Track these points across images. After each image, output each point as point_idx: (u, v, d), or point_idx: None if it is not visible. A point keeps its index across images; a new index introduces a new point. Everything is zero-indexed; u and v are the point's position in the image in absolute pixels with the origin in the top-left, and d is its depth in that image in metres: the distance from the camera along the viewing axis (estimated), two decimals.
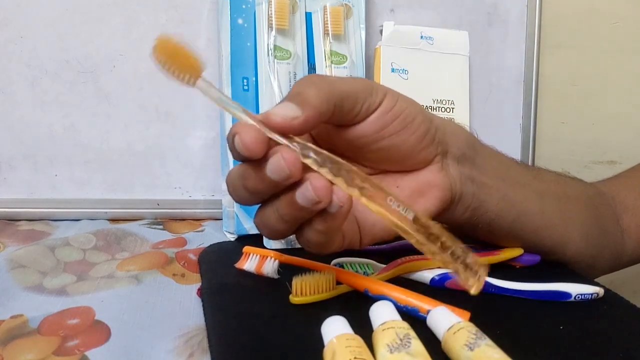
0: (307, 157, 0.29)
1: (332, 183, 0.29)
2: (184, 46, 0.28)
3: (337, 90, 0.30)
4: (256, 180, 0.29)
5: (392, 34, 0.58)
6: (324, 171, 0.29)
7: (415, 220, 0.30)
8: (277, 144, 0.29)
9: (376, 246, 0.45)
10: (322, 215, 0.29)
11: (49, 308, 0.37)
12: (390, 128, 0.33)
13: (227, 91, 0.52)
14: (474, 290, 0.30)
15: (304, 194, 0.28)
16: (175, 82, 0.28)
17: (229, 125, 0.52)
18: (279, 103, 0.30)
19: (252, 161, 0.29)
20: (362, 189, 0.29)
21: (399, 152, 0.34)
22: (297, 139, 0.29)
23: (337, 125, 0.33)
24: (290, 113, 0.28)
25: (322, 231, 0.30)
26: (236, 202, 0.32)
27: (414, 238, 0.30)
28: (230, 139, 0.28)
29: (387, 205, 0.29)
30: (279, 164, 0.28)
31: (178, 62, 0.28)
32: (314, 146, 0.29)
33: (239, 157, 0.29)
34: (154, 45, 0.27)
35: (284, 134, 0.29)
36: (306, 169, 0.29)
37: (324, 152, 0.29)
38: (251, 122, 0.28)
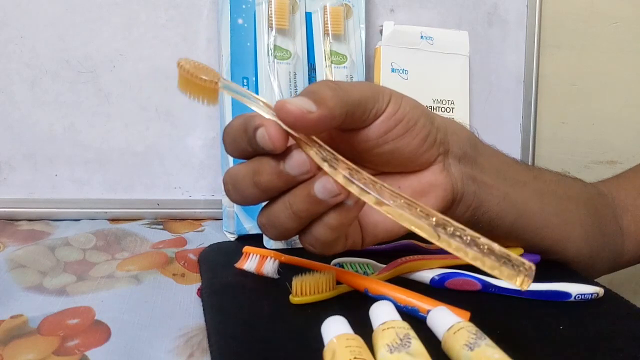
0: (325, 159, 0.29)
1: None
2: (195, 72, 0.30)
3: (351, 99, 0.30)
4: (271, 176, 0.29)
5: (392, 34, 0.58)
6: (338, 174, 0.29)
7: (437, 222, 0.28)
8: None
9: (376, 246, 0.44)
10: (337, 210, 0.29)
11: (49, 308, 0.37)
12: (393, 132, 0.33)
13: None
14: (524, 287, 0.26)
15: (325, 187, 0.28)
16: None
17: None
18: (294, 96, 0.29)
19: (268, 156, 0.29)
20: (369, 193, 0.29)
21: (401, 156, 0.34)
22: (313, 138, 0.29)
23: (341, 130, 0.33)
24: (306, 106, 0.28)
25: (335, 227, 0.30)
26: (235, 201, 0.31)
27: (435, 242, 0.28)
28: (251, 132, 0.28)
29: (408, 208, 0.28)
30: (300, 159, 0.28)
31: (196, 90, 0.30)
32: (326, 146, 0.29)
33: (256, 150, 0.29)
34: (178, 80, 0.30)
35: (294, 128, 0.28)
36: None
37: (337, 155, 0.29)
38: (269, 117, 0.28)
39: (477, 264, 0.27)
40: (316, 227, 0.30)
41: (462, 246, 0.27)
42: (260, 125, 0.28)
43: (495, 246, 0.27)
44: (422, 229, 0.27)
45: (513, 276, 0.26)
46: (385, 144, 0.33)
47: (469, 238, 0.27)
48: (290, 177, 0.28)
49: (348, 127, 0.32)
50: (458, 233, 0.27)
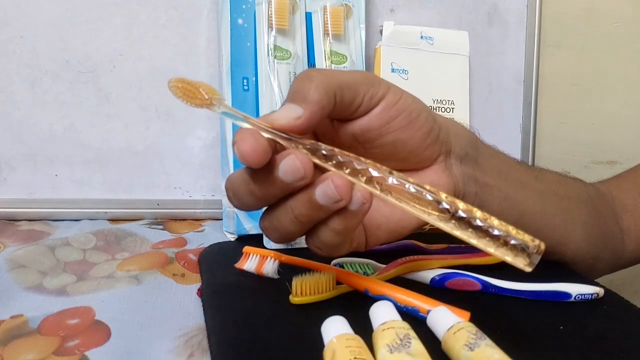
0: (320, 157, 0.29)
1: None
2: (194, 85, 0.29)
3: (336, 81, 0.30)
4: (265, 184, 0.29)
5: (392, 34, 0.58)
6: (336, 170, 0.29)
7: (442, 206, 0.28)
8: (284, 147, 0.29)
9: (376, 246, 0.44)
10: (341, 214, 0.29)
11: (49, 308, 0.37)
12: (395, 123, 0.32)
13: (227, 91, 0.52)
14: (528, 268, 0.27)
15: (326, 192, 0.28)
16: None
17: (229, 125, 0.52)
18: (281, 106, 0.30)
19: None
20: (381, 185, 0.29)
21: (403, 149, 0.34)
22: (305, 140, 0.29)
23: (340, 119, 0.33)
24: (292, 113, 0.28)
25: (340, 231, 0.30)
26: (237, 207, 0.31)
27: (444, 228, 0.28)
28: (234, 149, 0.28)
29: (413, 197, 0.28)
30: (294, 165, 0.28)
31: (193, 98, 0.29)
32: (323, 145, 0.29)
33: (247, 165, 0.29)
34: (169, 87, 0.29)
35: (292, 135, 0.29)
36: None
37: (335, 149, 0.29)
38: (251, 128, 0.28)
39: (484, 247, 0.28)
40: (322, 231, 0.30)
41: (472, 234, 0.28)
42: (234, 142, 0.28)
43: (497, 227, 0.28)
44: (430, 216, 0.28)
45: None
46: (388, 134, 0.33)
47: (479, 222, 0.28)
48: (285, 184, 0.28)
49: (343, 113, 0.32)
50: (465, 216, 0.28)
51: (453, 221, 0.28)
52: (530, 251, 0.27)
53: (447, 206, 0.28)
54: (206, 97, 0.29)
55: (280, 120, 0.28)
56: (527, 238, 0.27)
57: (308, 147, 0.29)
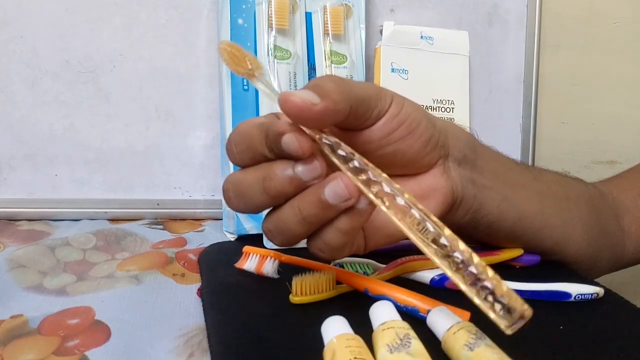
0: (338, 157, 0.29)
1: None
2: (242, 53, 0.32)
3: (354, 93, 0.30)
4: (282, 182, 0.29)
5: (392, 34, 0.58)
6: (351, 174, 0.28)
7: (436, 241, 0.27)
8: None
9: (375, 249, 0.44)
10: (348, 213, 0.29)
11: (49, 308, 0.37)
12: (396, 134, 0.32)
13: (227, 91, 0.52)
14: (509, 332, 0.24)
15: (336, 191, 0.28)
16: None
17: (229, 125, 0.52)
18: (298, 90, 0.29)
19: (279, 162, 0.29)
20: (384, 198, 0.28)
21: (403, 158, 0.34)
22: (328, 135, 0.29)
23: (343, 129, 0.32)
24: (310, 98, 0.28)
25: (346, 231, 0.30)
26: (236, 208, 0.31)
27: (438, 264, 0.27)
28: (273, 138, 0.28)
29: (415, 223, 0.28)
30: (313, 164, 0.28)
31: (237, 65, 0.32)
32: (343, 144, 0.29)
33: (279, 155, 0.29)
34: (219, 49, 0.32)
35: (299, 120, 0.28)
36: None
37: (356, 154, 0.29)
38: (284, 118, 0.28)
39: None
40: (326, 232, 0.30)
41: (463, 278, 0.26)
42: (285, 132, 0.28)
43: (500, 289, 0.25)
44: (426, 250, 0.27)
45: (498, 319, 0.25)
46: (388, 145, 0.33)
47: (473, 269, 0.26)
48: (301, 182, 0.28)
49: (351, 125, 0.32)
50: (462, 259, 0.26)
51: (448, 260, 0.26)
52: (514, 315, 0.24)
53: (446, 243, 0.27)
54: (249, 67, 0.31)
55: (295, 98, 0.28)
56: (516, 302, 0.24)
57: (329, 143, 0.29)
